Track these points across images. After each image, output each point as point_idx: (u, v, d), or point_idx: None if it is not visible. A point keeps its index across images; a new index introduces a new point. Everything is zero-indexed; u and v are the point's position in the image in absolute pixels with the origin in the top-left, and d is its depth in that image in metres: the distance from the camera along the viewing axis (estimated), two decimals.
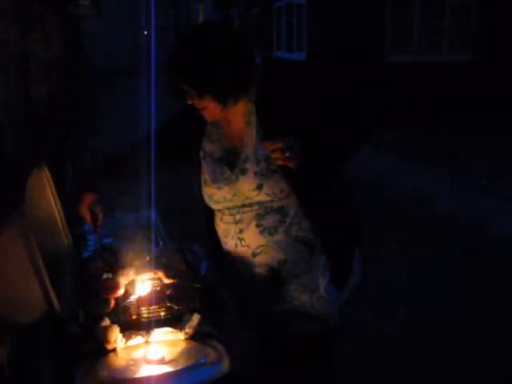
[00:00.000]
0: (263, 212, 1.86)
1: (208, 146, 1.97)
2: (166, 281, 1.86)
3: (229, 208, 1.92)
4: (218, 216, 1.99)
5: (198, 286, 1.80)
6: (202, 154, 1.97)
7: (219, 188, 1.90)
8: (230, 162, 1.90)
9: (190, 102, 1.82)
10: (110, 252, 2.10)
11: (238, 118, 1.89)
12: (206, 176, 1.95)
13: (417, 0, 10.20)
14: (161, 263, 1.99)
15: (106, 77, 15.49)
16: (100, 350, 1.57)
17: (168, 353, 1.54)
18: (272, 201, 1.85)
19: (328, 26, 10.33)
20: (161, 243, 2.28)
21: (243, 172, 1.85)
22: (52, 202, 1.86)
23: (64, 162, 3.90)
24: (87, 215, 2.11)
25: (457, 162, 7.55)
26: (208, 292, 1.82)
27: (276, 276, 1.91)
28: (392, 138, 7.94)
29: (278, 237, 1.87)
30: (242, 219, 1.89)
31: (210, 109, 1.83)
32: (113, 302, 1.74)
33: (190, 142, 2.00)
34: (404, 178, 7.04)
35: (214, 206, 1.97)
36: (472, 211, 5.82)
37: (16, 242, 1.44)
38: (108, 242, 2.28)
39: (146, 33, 18.30)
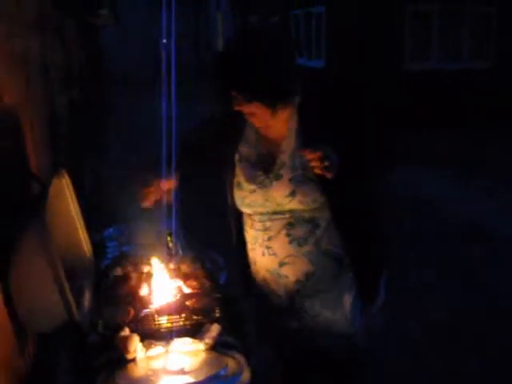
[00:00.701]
0: (294, 221, 1.83)
1: (245, 150, 1.94)
2: (186, 290, 1.85)
3: (260, 214, 1.89)
4: (247, 222, 1.96)
5: (218, 295, 1.79)
6: (237, 156, 1.95)
7: (252, 192, 1.88)
8: (266, 167, 1.87)
9: (237, 109, 1.80)
10: (129, 260, 2.11)
11: (280, 123, 1.85)
12: (240, 179, 1.92)
13: (436, 7, 10.13)
14: (180, 272, 1.99)
15: (124, 85, 15.61)
16: (119, 360, 1.56)
17: (188, 363, 1.53)
18: (304, 210, 1.82)
19: (347, 33, 10.31)
20: (180, 252, 2.27)
21: (278, 177, 1.83)
22: (72, 210, 1.86)
23: (84, 169, 3.93)
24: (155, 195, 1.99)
25: (483, 171, 7.36)
26: (228, 302, 1.81)
27: (300, 288, 1.88)
28: (411, 146, 7.81)
29: (307, 248, 1.84)
30: (272, 227, 1.86)
31: (259, 115, 1.80)
32: (132, 312, 1.73)
33: (226, 145, 1.98)
34: (430, 186, 6.89)
35: (245, 210, 1.94)
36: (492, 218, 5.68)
37: (36, 249, 1.44)
38: (127, 250, 2.28)
39: (164, 41, 18.44)
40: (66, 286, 1.48)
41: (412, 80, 9.78)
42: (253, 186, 1.87)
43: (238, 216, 2.00)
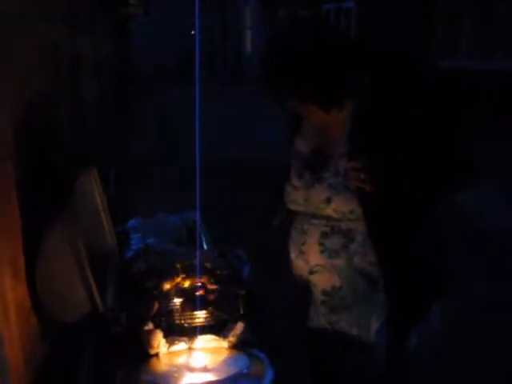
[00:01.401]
0: (329, 231, 1.75)
1: (299, 144, 1.87)
2: (210, 286, 1.83)
3: (301, 214, 1.84)
4: (293, 220, 1.91)
5: (243, 293, 1.77)
6: (292, 149, 1.89)
7: (295, 189, 1.82)
8: (314, 166, 1.79)
9: (291, 109, 1.74)
10: (153, 253, 2.10)
11: (336, 123, 1.76)
12: (290, 173, 1.86)
13: (467, 5, 9.99)
14: (205, 267, 1.97)
15: (152, 77, 15.66)
16: (142, 354, 1.55)
17: (211, 361, 1.52)
18: (340, 219, 1.73)
19: (376, 29, 10.22)
20: (205, 246, 2.26)
21: (320, 180, 1.75)
22: (99, 204, 1.86)
23: (109, 163, 3.94)
24: None
25: None
26: (252, 299, 1.79)
27: (327, 300, 1.81)
28: None
29: (338, 262, 1.75)
30: (308, 231, 1.80)
31: (314, 115, 1.73)
32: (156, 306, 1.72)
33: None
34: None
35: (289, 206, 1.88)
36: None
37: (63, 242, 1.44)
38: (151, 243, 2.27)
39: (192, 33, 18.45)
40: (91, 277, 1.48)
41: (441, 78, 9.65)
42: (297, 183, 1.82)
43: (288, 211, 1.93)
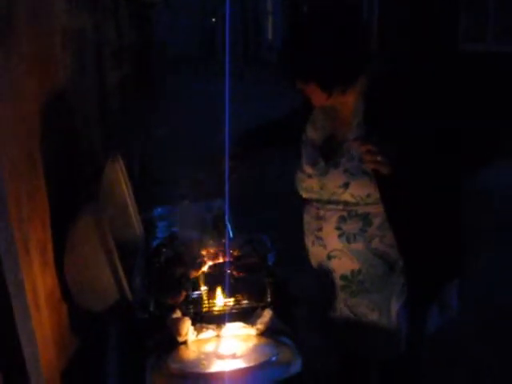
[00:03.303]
0: (347, 215, 1.75)
1: (311, 132, 1.88)
2: (237, 274, 1.83)
3: (316, 200, 1.83)
4: (305, 207, 1.91)
5: (270, 280, 1.76)
6: (303, 137, 1.90)
7: (309, 176, 1.82)
8: (328, 153, 1.80)
9: (298, 88, 1.76)
10: (179, 241, 2.10)
11: (346, 108, 1.78)
12: (302, 161, 1.87)
13: None
14: (232, 255, 1.97)
15: (174, 64, 15.65)
16: (170, 342, 1.55)
17: (239, 348, 1.51)
18: (357, 204, 1.73)
19: (401, 13, 10.07)
20: (231, 234, 2.25)
21: (335, 166, 1.75)
22: (125, 192, 1.86)
23: (133, 150, 3.95)
24: None
25: None
26: (279, 286, 1.78)
27: (346, 285, 1.81)
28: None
29: (356, 245, 1.75)
30: (325, 216, 1.80)
31: (315, 95, 1.75)
32: (183, 294, 1.72)
33: (299, 124, 1.93)
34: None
35: (303, 194, 1.88)
36: None
37: (91, 230, 1.45)
38: (176, 231, 2.27)
39: (214, 20, 18.42)
40: (119, 265, 1.49)
41: (467, 62, 9.48)
42: (311, 171, 1.82)
43: (300, 199, 1.93)
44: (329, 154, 1.79)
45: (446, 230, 1.76)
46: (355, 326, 1.82)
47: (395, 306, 1.77)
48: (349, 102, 1.75)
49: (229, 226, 2.23)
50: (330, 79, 1.69)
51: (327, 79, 1.69)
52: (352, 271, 1.78)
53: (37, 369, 1.16)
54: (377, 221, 1.73)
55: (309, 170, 1.82)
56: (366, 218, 1.73)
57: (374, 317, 1.78)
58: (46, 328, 1.31)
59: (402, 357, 1.84)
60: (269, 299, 1.72)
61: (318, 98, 1.76)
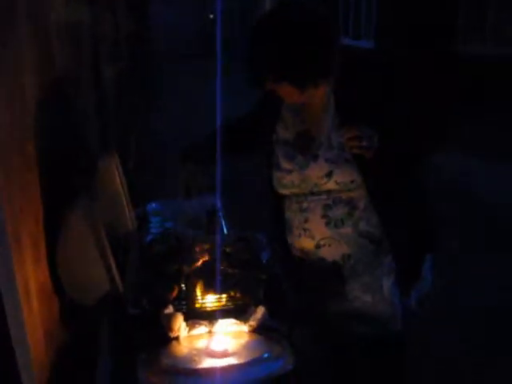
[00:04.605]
0: (331, 203, 1.80)
1: (282, 131, 1.90)
2: (231, 270, 1.82)
3: (296, 195, 1.86)
4: (285, 204, 1.93)
5: (263, 277, 1.76)
6: (274, 137, 1.91)
7: (289, 172, 1.85)
8: (303, 147, 1.83)
9: (268, 88, 1.75)
10: (172, 237, 2.09)
11: (316, 102, 1.82)
12: (277, 160, 1.89)
13: None
14: (225, 251, 1.96)
15: (170, 60, 15.58)
16: (162, 337, 1.55)
17: (231, 345, 1.51)
18: (341, 191, 1.79)
19: (399, 12, 10.05)
20: (224, 230, 2.25)
21: (315, 158, 1.79)
22: (120, 187, 1.87)
23: (129, 145, 3.95)
24: None
25: None
26: (272, 283, 1.78)
27: (338, 272, 1.85)
28: (465, 135, 7.29)
29: (344, 230, 1.81)
30: (309, 208, 1.84)
31: (288, 93, 1.76)
32: (176, 289, 1.72)
33: (263, 125, 1.94)
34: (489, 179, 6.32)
35: (282, 191, 1.91)
36: None
37: (84, 225, 1.44)
38: (170, 226, 2.26)
39: (211, 16, 18.35)
40: (112, 261, 1.48)
41: (465, 63, 9.48)
42: (290, 167, 1.84)
43: (277, 198, 1.97)
44: (304, 148, 1.82)
45: (420, 206, 1.86)
46: (348, 309, 1.87)
47: (386, 284, 1.85)
48: (318, 96, 1.79)
49: (223, 223, 2.22)
50: (303, 75, 1.70)
51: (300, 75, 1.70)
52: (343, 256, 1.83)
53: (27, 362, 1.16)
54: (361, 204, 1.80)
55: (287, 165, 1.84)
56: (350, 203, 1.79)
57: (367, 298, 1.85)
58: (37, 322, 1.30)
59: (396, 333, 1.90)
60: (262, 296, 1.71)
61: (290, 95, 1.76)
